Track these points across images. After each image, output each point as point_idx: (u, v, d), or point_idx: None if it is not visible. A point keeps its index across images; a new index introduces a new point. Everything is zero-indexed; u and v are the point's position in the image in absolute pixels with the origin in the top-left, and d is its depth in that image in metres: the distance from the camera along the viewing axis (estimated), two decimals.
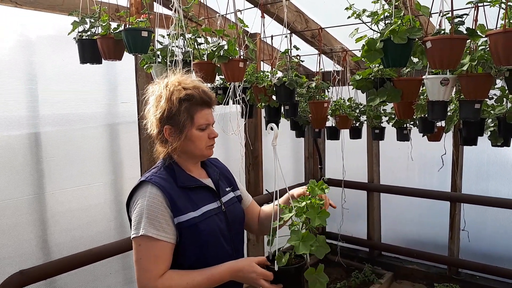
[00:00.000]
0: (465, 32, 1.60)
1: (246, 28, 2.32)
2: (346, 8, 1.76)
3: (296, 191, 1.54)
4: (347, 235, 4.29)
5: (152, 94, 1.43)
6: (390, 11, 1.65)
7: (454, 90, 2.18)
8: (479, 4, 1.66)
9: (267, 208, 1.67)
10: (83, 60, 2.22)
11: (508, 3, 1.47)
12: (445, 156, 3.33)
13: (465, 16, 1.61)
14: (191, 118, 1.38)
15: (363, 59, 2.02)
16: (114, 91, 2.92)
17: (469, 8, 1.65)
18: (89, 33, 2.18)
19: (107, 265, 2.72)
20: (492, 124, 2.65)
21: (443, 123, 2.94)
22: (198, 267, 1.35)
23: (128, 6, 2.58)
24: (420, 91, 2.27)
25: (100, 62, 2.25)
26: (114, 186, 2.87)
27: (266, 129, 1.35)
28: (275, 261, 1.34)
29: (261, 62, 3.35)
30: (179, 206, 1.34)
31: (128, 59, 2.32)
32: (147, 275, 1.29)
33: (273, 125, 1.41)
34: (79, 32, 2.18)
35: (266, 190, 3.61)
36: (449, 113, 2.62)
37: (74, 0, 2.29)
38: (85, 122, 2.71)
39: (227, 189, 1.55)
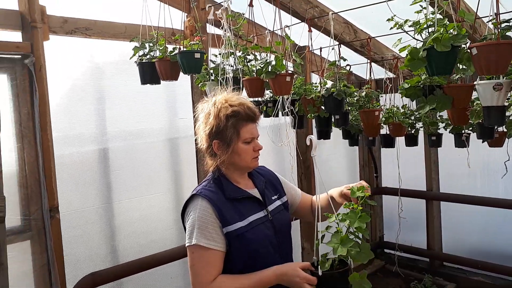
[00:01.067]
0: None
1: (293, 43, 2.39)
2: (388, 19, 1.78)
3: (335, 192, 1.58)
4: (405, 244, 4.16)
5: (202, 111, 1.55)
6: (434, 20, 1.65)
7: (510, 93, 2.10)
8: None
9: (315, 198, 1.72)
10: (144, 81, 2.42)
11: None
12: (509, 163, 3.15)
13: None
14: (237, 132, 1.49)
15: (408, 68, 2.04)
16: (173, 108, 3.09)
17: None
18: (148, 56, 2.38)
19: (169, 270, 2.85)
20: None
21: (505, 128, 2.81)
22: (247, 272, 1.44)
23: (183, 29, 2.78)
24: (473, 96, 2.21)
25: (159, 83, 2.43)
26: (174, 196, 3.04)
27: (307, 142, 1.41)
28: (319, 266, 1.39)
29: (311, 74, 3.41)
30: (227, 217, 1.44)
31: (184, 78, 2.48)
32: (199, 280, 1.40)
33: (312, 136, 1.48)
34: (139, 56, 2.38)
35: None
36: (510, 118, 2.51)
37: (135, 27, 2.50)
38: (147, 137, 2.90)
39: (273, 198, 1.62)
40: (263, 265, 1.45)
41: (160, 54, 2.29)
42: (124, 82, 2.72)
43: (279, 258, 1.52)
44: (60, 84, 2.40)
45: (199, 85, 2.55)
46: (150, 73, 2.37)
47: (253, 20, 2.44)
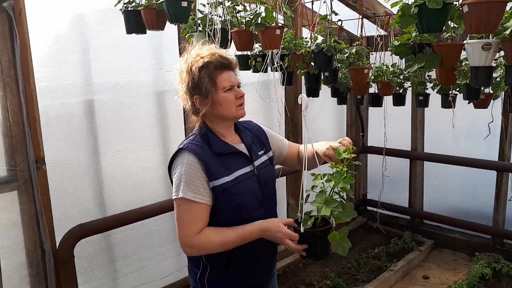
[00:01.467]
0: None
1: None
2: None
3: (319, 149, 1.59)
4: (388, 202, 4.28)
5: (177, 71, 1.53)
6: None
7: (498, 54, 2.09)
8: None
9: (302, 148, 1.72)
10: (129, 30, 2.35)
11: None
12: (493, 124, 3.21)
13: None
14: (213, 82, 1.47)
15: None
16: (160, 59, 3.02)
17: None
18: (133, 4, 2.29)
19: (157, 223, 2.91)
20: None
21: (491, 90, 2.83)
22: (232, 225, 1.47)
23: None
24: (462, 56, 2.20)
25: (145, 32, 2.36)
26: (161, 150, 3.03)
27: (298, 101, 1.40)
28: (301, 223, 1.42)
29: (302, 28, 3.34)
30: (213, 172, 1.45)
31: (172, 28, 2.40)
32: (186, 232, 1.43)
33: (303, 95, 1.46)
34: (124, 3, 2.29)
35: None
36: (497, 79, 2.53)
37: None
38: (134, 89, 2.85)
39: (260, 153, 1.63)
40: (248, 218, 1.49)
41: (146, 1, 2.21)
42: (109, 31, 2.63)
43: (263, 212, 1.55)
44: (42, 32, 2.31)
45: (186, 36, 2.49)
46: (135, 21, 2.29)
47: None
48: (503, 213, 3.61)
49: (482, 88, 2.76)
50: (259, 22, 2.15)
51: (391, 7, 1.76)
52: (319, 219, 1.45)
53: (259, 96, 2.70)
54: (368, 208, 4.59)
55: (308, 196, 1.48)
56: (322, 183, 1.44)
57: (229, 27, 2.24)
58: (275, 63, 2.49)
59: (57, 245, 2.25)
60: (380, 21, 3.35)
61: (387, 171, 3.89)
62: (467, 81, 2.61)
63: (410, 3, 1.65)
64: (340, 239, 1.38)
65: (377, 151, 4.17)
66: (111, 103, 2.73)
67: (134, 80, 2.85)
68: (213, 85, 1.46)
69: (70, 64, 2.52)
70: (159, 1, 2.18)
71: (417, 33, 2.12)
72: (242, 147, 1.59)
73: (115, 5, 2.30)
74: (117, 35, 2.63)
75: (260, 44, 2.39)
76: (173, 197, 1.46)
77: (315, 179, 1.46)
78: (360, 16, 3.13)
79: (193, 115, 1.56)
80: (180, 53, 2.85)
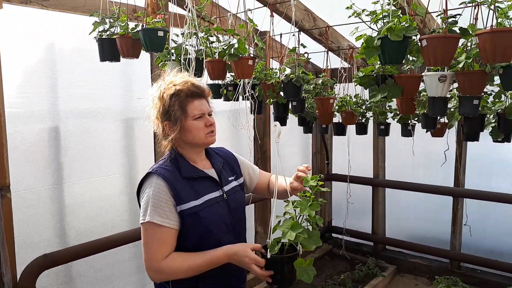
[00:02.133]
0: (458, 31, 1.71)
1: (256, 27, 2.44)
2: (347, 7, 1.88)
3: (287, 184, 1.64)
4: (352, 229, 4.39)
5: (149, 97, 1.57)
6: (389, 11, 1.77)
7: (452, 86, 2.28)
8: (479, 1, 1.77)
9: (273, 178, 1.80)
10: (103, 58, 2.37)
11: (497, 5, 1.58)
12: (449, 152, 3.42)
13: (458, 16, 1.72)
14: (183, 110, 1.50)
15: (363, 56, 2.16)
16: (128, 87, 3.03)
17: (462, 8, 1.76)
18: (108, 32, 2.33)
19: (121, 253, 2.84)
20: (493, 120, 2.75)
21: (447, 119, 3.05)
22: (200, 250, 1.47)
23: (145, 6, 2.74)
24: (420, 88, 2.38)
25: (119, 60, 2.39)
26: (127, 178, 3.00)
27: (271, 128, 1.46)
28: (268, 249, 1.43)
29: (271, 60, 3.48)
30: (181, 196, 1.45)
31: (143, 57, 2.43)
32: (152, 257, 1.42)
33: (277, 123, 1.53)
34: (99, 32, 2.33)
35: None
36: (451, 109, 2.73)
37: (95, 1, 2.44)
38: (102, 117, 2.84)
39: (230, 178, 1.66)
40: (216, 243, 1.49)
41: (122, 30, 2.25)
42: (79, 58, 2.63)
43: (232, 237, 1.56)
44: (8, 57, 2.28)
45: (160, 65, 2.54)
46: (110, 49, 2.32)
47: (217, 1, 2.47)
48: (459, 237, 3.79)
49: (438, 117, 2.97)
50: (232, 52, 2.24)
51: (356, 40, 1.90)
52: (286, 246, 1.47)
53: (231, 124, 2.76)
54: (333, 235, 4.67)
55: (279, 222, 1.50)
56: (294, 209, 1.48)
57: (204, 56, 2.31)
58: (247, 92, 2.58)
59: (18, 277, 2.15)
60: (344, 54, 3.56)
61: (350, 198, 4.02)
62: (425, 111, 2.81)
63: (373, 36, 1.79)
64: (306, 266, 1.39)
65: (341, 178, 4.30)
66: (77, 130, 2.70)
67: (102, 107, 2.84)
68: (183, 112, 1.50)
69: (36, 90, 2.48)
70: (135, 31, 2.24)
71: (380, 65, 2.28)
72: (212, 172, 1.61)
73: (90, 33, 2.33)
74: (87, 62, 2.64)
75: (233, 74, 2.48)
76: (140, 221, 1.45)
77: (287, 205, 1.51)
78: (326, 49, 3.32)
79: (163, 140, 1.58)
80: (153, 81, 2.90)
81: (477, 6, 1.83)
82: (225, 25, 2.62)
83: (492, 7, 1.63)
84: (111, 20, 2.32)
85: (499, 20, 1.68)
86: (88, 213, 2.73)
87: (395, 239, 4.21)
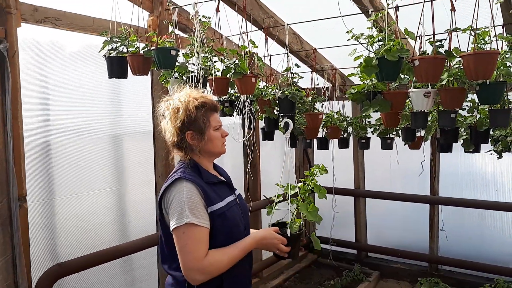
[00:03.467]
0: (443, 53, 1.97)
1: (256, 48, 2.64)
2: (347, 32, 2.12)
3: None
4: (336, 238, 4.60)
5: (167, 109, 1.64)
6: (384, 35, 2.02)
7: (434, 102, 2.56)
8: (453, 31, 2.05)
9: None
10: (111, 75, 2.49)
11: (477, 31, 1.86)
12: (424, 163, 3.73)
13: (443, 40, 1.99)
14: (208, 121, 1.63)
15: (358, 74, 2.40)
16: (118, 104, 3.11)
17: (445, 33, 2.03)
18: (117, 51, 2.46)
19: (111, 269, 2.87)
20: (465, 133, 3.06)
21: (422, 133, 3.34)
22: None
23: (146, 27, 2.90)
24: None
25: (126, 77, 2.52)
26: (117, 193, 3.06)
27: (281, 125, 1.68)
28: (288, 228, 1.69)
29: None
30: (210, 198, 1.55)
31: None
32: (194, 257, 1.47)
33: (289, 120, 1.76)
34: (108, 50, 2.46)
35: (264, 195, 3.90)
36: (428, 123, 3.02)
37: (102, 22, 2.57)
38: (92, 132, 2.90)
39: (235, 187, 1.82)
40: (237, 240, 1.61)
41: (133, 49, 2.39)
42: (73, 74, 2.72)
43: (245, 236, 1.66)
44: None
45: (163, 82, 2.69)
46: (119, 67, 2.45)
47: (219, 24, 2.66)
48: (436, 241, 4.09)
49: (418, 130, 3.25)
50: (237, 71, 2.43)
51: (354, 60, 2.13)
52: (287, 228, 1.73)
53: (232, 137, 2.92)
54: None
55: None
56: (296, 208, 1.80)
57: (209, 74, 2.47)
58: (246, 107, 2.76)
59: (33, 285, 2.19)
60: (327, 74, 3.82)
61: (330, 210, 4.24)
62: (406, 125, 3.08)
63: (371, 56, 2.03)
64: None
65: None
66: (68, 145, 2.75)
67: (93, 122, 2.91)
68: (208, 123, 1.63)
69: (27, 105, 2.44)
70: (146, 50, 2.38)
71: (370, 83, 2.53)
72: (223, 179, 1.76)
73: (99, 51, 2.45)
74: (79, 78, 2.73)
75: (235, 91, 2.66)
76: (175, 226, 1.48)
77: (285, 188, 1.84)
78: (312, 70, 3.58)
79: (178, 151, 1.67)
80: (153, 98, 3.04)
81: (451, 34, 2.12)
82: (218, 46, 2.79)
83: (472, 33, 1.91)
84: (119, 40, 2.46)
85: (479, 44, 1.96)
86: (77, 228, 2.75)
87: (377, 246, 4.46)
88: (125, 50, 2.48)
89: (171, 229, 1.51)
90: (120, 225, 3.07)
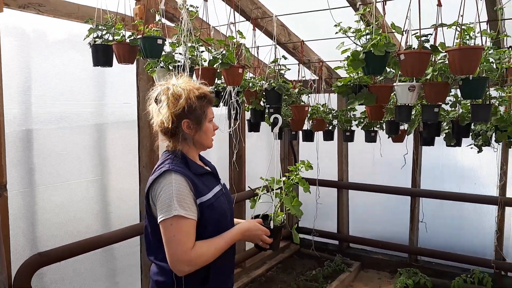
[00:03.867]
0: (429, 48, 2.00)
1: (244, 38, 2.63)
2: (335, 25, 2.13)
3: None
4: (318, 229, 4.66)
5: (165, 93, 1.59)
6: (371, 29, 2.04)
7: (418, 96, 2.60)
8: (439, 26, 2.08)
9: None
10: (96, 63, 2.44)
11: (462, 27, 1.89)
12: (407, 156, 3.80)
13: (429, 35, 2.02)
14: (205, 112, 1.64)
15: (345, 67, 2.42)
16: (102, 92, 3.07)
17: (431, 28, 2.06)
18: (102, 39, 2.42)
19: (93, 259, 2.86)
20: (447, 127, 3.12)
21: (405, 127, 3.40)
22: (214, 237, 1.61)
23: (133, 15, 2.85)
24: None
25: (111, 65, 2.48)
26: (101, 182, 3.03)
27: (270, 121, 1.72)
28: (271, 221, 1.74)
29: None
30: (199, 189, 1.56)
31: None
32: (182, 249, 1.47)
33: (279, 116, 1.76)
34: (94, 37, 2.41)
35: (249, 187, 3.91)
36: (412, 117, 3.07)
37: (88, 9, 2.51)
38: (75, 120, 2.85)
39: (220, 178, 1.84)
40: (224, 230, 1.63)
41: (119, 37, 2.36)
42: (56, 62, 2.66)
43: (231, 226, 1.70)
44: None
45: (149, 71, 2.66)
46: (104, 55, 2.40)
47: (207, 14, 2.63)
48: (416, 233, 4.18)
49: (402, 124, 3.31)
50: (224, 61, 2.42)
51: (341, 54, 2.15)
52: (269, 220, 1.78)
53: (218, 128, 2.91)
54: (300, 235, 4.90)
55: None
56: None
57: (199, 64, 2.45)
58: (233, 97, 2.76)
59: (13, 275, 2.16)
60: (314, 66, 3.84)
61: (314, 201, 4.28)
62: (390, 118, 3.13)
63: (358, 50, 2.05)
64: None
65: (308, 181, 4.54)
66: (50, 134, 2.70)
67: (77, 111, 2.87)
68: (204, 114, 1.64)
69: (8, 91, 2.38)
70: (132, 38, 2.35)
71: (356, 76, 2.55)
72: (209, 170, 1.77)
73: (84, 39, 2.40)
74: (63, 66, 2.69)
75: (222, 81, 2.65)
76: (163, 218, 1.48)
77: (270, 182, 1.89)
78: (299, 62, 3.58)
79: (168, 139, 1.65)
80: (138, 87, 3.00)
81: (436, 29, 2.15)
82: (205, 36, 2.77)
83: (458, 28, 1.94)
84: (104, 28, 2.41)
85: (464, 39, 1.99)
86: (60, 218, 2.72)
87: (359, 237, 4.54)
88: (110, 38, 2.43)
89: (158, 221, 1.51)
90: (102, 215, 3.05)
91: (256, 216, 1.81)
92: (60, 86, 2.74)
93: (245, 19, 2.96)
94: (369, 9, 2.07)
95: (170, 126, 1.58)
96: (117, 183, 3.14)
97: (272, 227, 1.71)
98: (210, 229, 1.59)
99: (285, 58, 2.93)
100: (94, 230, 2.88)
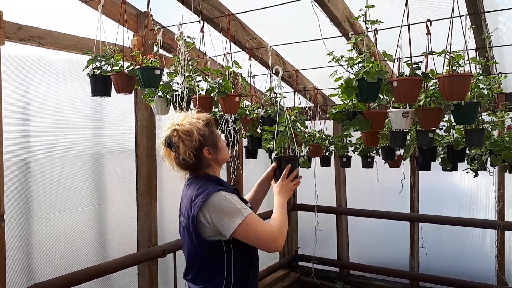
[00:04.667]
0: (420, 75, 2.06)
1: (240, 68, 2.69)
2: (328, 54, 2.19)
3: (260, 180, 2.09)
4: (318, 256, 4.61)
5: (175, 135, 1.72)
6: (363, 57, 2.10)
7: (412, 121, 2.64)
8: (429, 54, 2.15)
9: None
10: (95, 93, 2.49)
11: (451, 55, 1.95)
12: (404, 181, 3.80)
13: (420, 62, 2.08)
14: (215, 134, 1.81)
15: (339, 95, 2.47)
16: (100, 122, 3.11)
17: (422, 56, 2.12)
18: (101, 70, 2.47)
19: None
20: (442, 152, 3.15)
21: (401, 152, 3.43)
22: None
23: (131, 47, 2.92)
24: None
25: (109, 95, 2.53)
26: (97, 211, 3.03)
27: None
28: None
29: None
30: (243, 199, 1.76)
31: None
32: (268, 232, 1.65)
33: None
34: (92, 68, 2.47)
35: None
36: (408, 142, 3.10)
37: (87, 41, 2.58)
38: (72, 150, 2.88)
39: None
40: None
41: (117, 68, 2.41)
42: (54, 93, 2.71)
43: None
44: None
45: (147, 100, 2.70)
46: (102, 85, 2.45)
47: (203, 45, 2.70)
48: (417, 258, 4.14)
49: (397, 149, 3.33)
50: (221, 90, 2.47)
51: (335, 82, 2.20)
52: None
53: None
54: (300, 263, 4.86)
55: None
56: None
57: (197, 93, 2.50)
58: (230, 125, 2.79)
59: None
60: (309, 94, 3.91)
61: (313, 228, 4.26)
62: (386, 144, 3.16)
63: (351, 77, 2.10)
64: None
65: (307, 208, 4.55)
66: (48, 163, 2.72)
67: (75, 140, 2.90)
68: (216, 136, 1.83)
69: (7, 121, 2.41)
70: (131, 68, 2.40)
71: (350, 103, 2.60)
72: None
73: (83, 70, 2.46)
74: (57, 95, 2.73)
75: (215, 110, 2.69)
76: (239, 223, 1.59)
77: None
78: (294, 90, 3.65)
79: (194, 169, 1.77)
80: (136, 116, 3.04)
81: (427, 56, 2.22)
82: (201, 66, 2.83)
83: (447, 56, 2.00)
84: (103, 59, 2.47)
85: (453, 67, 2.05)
86: (55, 248, 2.71)
87: (359, 263, 4.49)
88: (109, 68, 2.49)
89: (231, 231, 1.60)
90: (99, 245, 3.03)
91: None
92: (58, 115, 2.78)
93: (241, 50, 3.03)
94: (360, 38, 2.14)
95: (193, 159, 1.72)
96: (114, 212, 3.13)
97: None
98: None
99: (281, 86, 2.98)
100: (91, 260, 2.86)
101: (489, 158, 2.87)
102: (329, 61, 2.21)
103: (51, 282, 2.34)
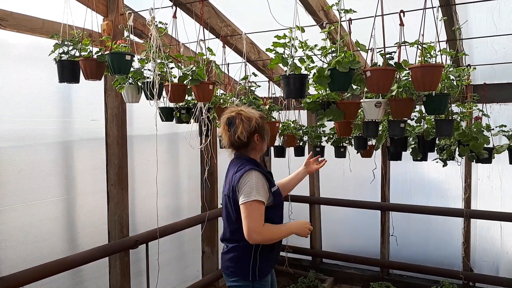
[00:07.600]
0: (393, 65, 2.07)
1: (214, 55, 2.64)
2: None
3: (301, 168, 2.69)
4: (292, 245, 4.65)
5: (237, 118, 2.12)
6: (336, 47, 2.09)
7: (384, 112, 2.67)
8: (402, 44, 2.16)
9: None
10: (62, 79, 2.40)
11: (423, 46, 1.97)
12: (375, 171, 3.87)
13: (393, 53, 2.09)
14: (265, 129, 2.22)
15: (313, 84, 2.46)
16: (68, 109, 3.00)
17: (395, 46, 2.13)
18: (68, 55, 2.38)
19: (59, 282, 2.77)
20: (413, 142, 3.20)
21: (373, 142, 3.47)
22: (280, 220, 2.16)
23: (100, 32, 2.82)
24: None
25: (78, 82, 2.44)
26: (66, 201, 2.95)
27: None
28: None
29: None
30: (271, 181, 2.13)
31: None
32: (256, 224, 1.96)
33: None
34: (59, 53, 2.37)
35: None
36: (379, 132, 3.14)
37: (53, 24, 2.48)
38: (42, 138, 2.79)
39: None
40: (281, 215, 2.19)
41: (86, 53, 2.32)
42: (21, 78, 2.60)
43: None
44: None
45: (117, 87, 2.62)
46: (70, 71, 2.37)
47: (176, 31, 2.64)
48: (387, 246, 4.23)
49: (369, 139, 3.37)
50: (194, 78, 2.41)
51: (307, 71, 2.19)
52: None
53: (189, 145, 2.89)
54: None
55: None
56: None
57: (169, 80, 2.44)
58: (203, 114, 2.75)
59: None
60: None
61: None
62: (358, 134, 3.19)
63: (324, 67, 2.09)
64: None
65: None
66: (14, 152, 2.63)
67: (42, 128, 2.81)
68: (266, 130, 2.23)
69: None
70: (100, 54, 2.32)
71: (324, 93, 2.60)
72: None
73: (49, 55, 2.36)
74: (24, 81, 2.63)
75: (193, 98, 2.63)
76: (245, 200, 1.97)
77: None
78: (268, 79, 3.63)
79: (242, 149, 2.17)
80: (106, 104, 2.95)
81: (400, 47, 2.24)
82: (174, 53, 2.77)
83: (419, 47, 2.02)
84: (71, 43, 2.38)
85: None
86: (21, 240, 2.63)
87: (332, 252, 4.55)
88: (77, 54, 2.40)
89: (240, 202, 1.99)
90: (69, 236, 2.95)
91: None
92: (24, 102, 2.67)
93: (214, 37, 2.98)
94: (334, 27, 2.13)
95: (245, 140, 2.12)
96: (84, 202, 3.05)
97: None
98: (275, 210, 2.11)
99: (255, 75, 2.96)
100: (60, 252, 2.79)
101: (457, 148, 2.94)
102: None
103: (17, 275, 2.25)
